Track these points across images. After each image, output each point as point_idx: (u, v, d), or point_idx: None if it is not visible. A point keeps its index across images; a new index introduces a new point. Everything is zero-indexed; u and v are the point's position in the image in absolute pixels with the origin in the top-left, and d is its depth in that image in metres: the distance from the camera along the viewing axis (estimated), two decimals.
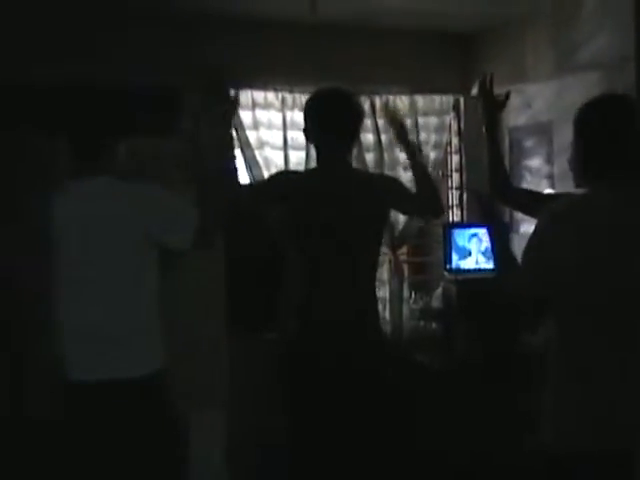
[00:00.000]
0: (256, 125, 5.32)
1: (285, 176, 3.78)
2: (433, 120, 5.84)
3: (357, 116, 3.64)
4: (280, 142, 5.37)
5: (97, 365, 3.10)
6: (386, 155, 5.64)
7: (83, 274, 3.14)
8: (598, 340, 2.56)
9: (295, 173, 3.86)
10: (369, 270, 3.59)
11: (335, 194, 3.48)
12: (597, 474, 2.54)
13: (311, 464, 3.44)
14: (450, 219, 6.10)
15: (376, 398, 3.43)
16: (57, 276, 3.21)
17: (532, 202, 3.27)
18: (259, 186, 3.70)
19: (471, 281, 5.36)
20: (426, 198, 3.69)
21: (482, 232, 5.64)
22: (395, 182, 3.81)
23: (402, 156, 5.67)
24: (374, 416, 3.43)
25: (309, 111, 3.63)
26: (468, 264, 5.56)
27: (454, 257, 5.56)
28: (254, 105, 5.31)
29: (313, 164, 5.34)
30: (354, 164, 5.02)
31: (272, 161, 5.35)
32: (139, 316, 3.18)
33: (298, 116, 5.43)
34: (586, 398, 2.56)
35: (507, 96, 3.53)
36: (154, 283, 3.22)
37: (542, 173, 5.57)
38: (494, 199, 3.26)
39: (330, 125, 3.54)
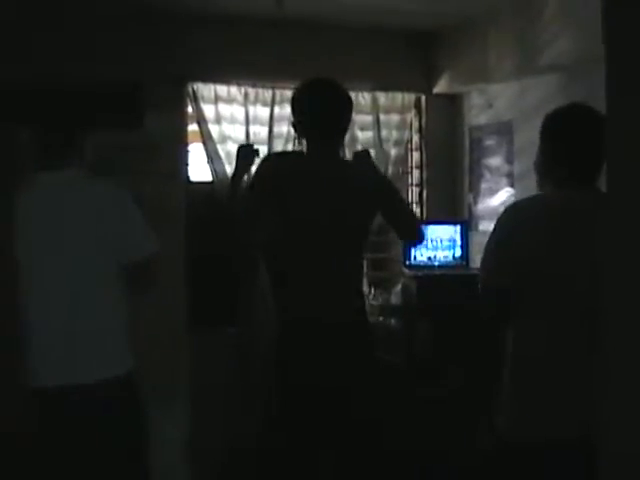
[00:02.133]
0: (218, 119, 5.31)
1: (273, 171, 3.46)
2: (394, 117, 5.87)
3: (347, 107, 3.50)
4: (242, 136, 5.37)
5: (71, 369, 3.07)
6: (348, 151, 5.64)
7: (53, 272, 3.10)
8: (553, 334, 2.63)
9: (283, 165, 3.60)
10: (357, 268, 3.51)
11: (324, 188, 3.36)
12: (550, 462, 2.61)
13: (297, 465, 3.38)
14: None
15: (365, 400, 3.38)
16: (25, 275, 3.16)
17: None
18: (255, 190, 3.45)
19: (431, 277, 5.41)
20: (407, 224, 3.61)
21: (441, 228, 5.71)
22: (388, 192, 3.60)
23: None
24: (362, 417, 3.36)
25: (298, 103, 3.49)
26: (427, 260, 5.61)
27: (413, 253, 5.61)
28: (217, 99, 5.31)
29: None
30: None
31: (234, 155, 5.31)
32: (112, 315, 3.16)
33: (261, 111, 5.45)
34: (539, 390, 2.64)
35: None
36: (122, 281, 3.20)
37: (502, 172, 5.63)
38: None
39: (320, 117, 3.41)
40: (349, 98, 3.51)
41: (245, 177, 3.61)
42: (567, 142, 2.74)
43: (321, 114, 3.41)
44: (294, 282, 3.36)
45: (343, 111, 3.48)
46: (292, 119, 3.55)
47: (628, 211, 1.36)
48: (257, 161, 3.56)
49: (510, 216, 2.76)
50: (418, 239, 3.69)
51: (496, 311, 2.78)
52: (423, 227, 3.74)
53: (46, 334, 3.10)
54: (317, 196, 3.34)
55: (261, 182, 3.39)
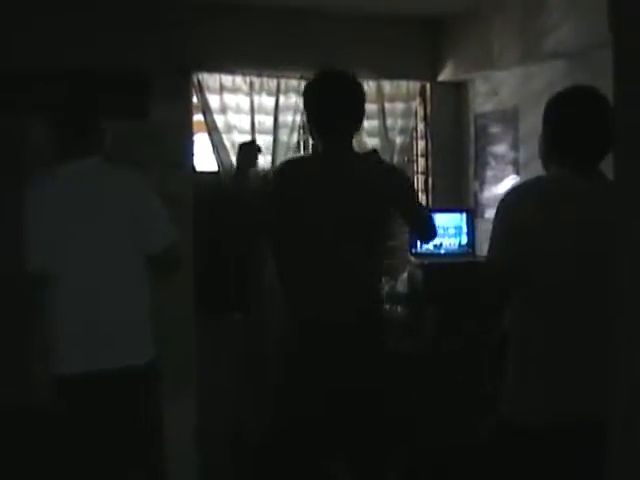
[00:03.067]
0: (224, 109, 5.32)
1: (287, 173, 3.44)
2: (400, 106, 5.88)
3: (359, 99, 3.39)
4: (248, 126, 5.38)
5: (96, 356, 3.10)
6: (353, 140, 5.66)
7: (80, 259, 3.12)
8: (556, 317, 2.64)
9: (295, 164, 3.58)
10: (372, 269, 3.42)
11: (337, 184, 3.29)
12: (552, 445, 2.63)
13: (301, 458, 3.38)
14: None
15: (374, 400, 3.34)
16: (50, 263, 3.16)
17: None
18: (268, 194, 3.43)
19: (437, 265, 5.42)
20: (423, 222, 3.62)
21: (447, 216, 5.71)
22: (403, 189, 3.53)
23: (369, 141, 5.75)
24: (371, 419, 3.33)
25: (309, 97, 3.40)
26: (433, 248, 5.62)
27: (419, 241, 5.62)
28: (222, 89, 5.31)
29: (280, 148, 5.43)
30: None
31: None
32: (138, 303, 3.19)
33: (266, 100, 5.45)
34: (542, 373, 2.65)
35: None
36: (146, 269, 3.22)
37: (507, 159, 5.64)
38: None
39: (332, 111, 3.31)
40: (362, 89, 3.42)
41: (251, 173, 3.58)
42: (569, 125, 2.72)
43: (333, 109, 3.32)
44: (303, 283, 3.32)
45: (355, 104, 3.38)
46: (304, 112, 3.49)
47: (636, 199, 1.37)
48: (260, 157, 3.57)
49: (511, 198, 2.77)
50: (432, 237, 3.77)
51: (498, 294, 2.79)
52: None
53: (72, 321, 3.13)
54: (329, 197, 3.28)
55: (275, 190, 3.39)
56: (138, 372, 3.14)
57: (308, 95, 3.42)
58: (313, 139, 3.56)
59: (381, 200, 3.35)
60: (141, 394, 3.17)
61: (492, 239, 2.74)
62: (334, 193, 3.28)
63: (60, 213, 3.14)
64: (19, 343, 4.09)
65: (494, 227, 2.74)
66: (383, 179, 3.41)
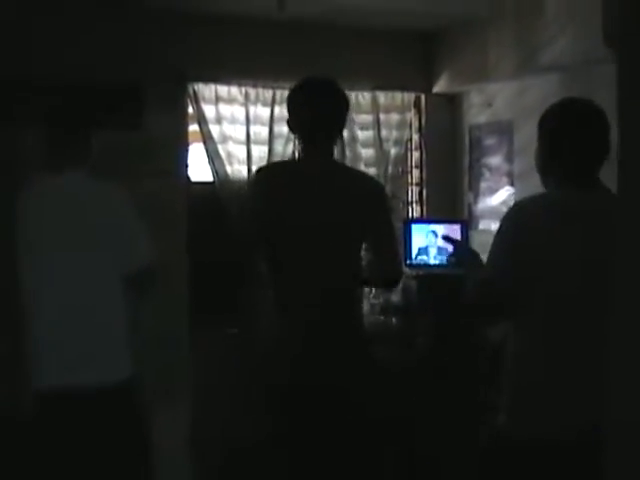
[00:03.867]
0: (219, 119, 5.32)
1: (265, 181, 3.44)
2: (394, 117, 5.89)
3: (341, 107, 3.41)
4: (243, 137, 5.38)
5: (72, 371, 3.09)
6: (348, 151, 5.68)
7: (55, 275, 3.12)
8: (557, 333, 2.65)
9: (276, 170, 3.60)
10: (350, 270, 3.41)
11: (317, 191, 3.31)
12: (552, 460, 2.63)
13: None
14: (410, 214, 6.16)
15: (359, 402, 3.37)
16: (28, 276, 3.17)
17: None
18: (249, 205, 3.43)
19: (431, 277, 5.41)
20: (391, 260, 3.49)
21: (441, 227, 5.71)
22: (380, 211, 3.45)
23: (364, 152, 5.76)
24: (355, 418, 3.36)
25: (293, 100, 3.41)
26: (427, 260, 5.62)
27: (414, 253, 5.62)
28: (217, 99, 5.32)
29: (275, 159, 5.43)
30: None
31: (235, 155, 5.36)
32: (113, 320, 3.18)
33: (261, 111, 5.46)
34: (542, 388, 2.66)
35: None
36: (123, 287, 3.21)
37: (502, 171, 5.65)
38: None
39: (315, 116, 3.33)
40: (345, 97, 3.42)
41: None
42: (564, 138, 2.73)
43: (314, 114, 3.33)
44: (286, 285, 3.34)
45: (337, 111, 3.39)
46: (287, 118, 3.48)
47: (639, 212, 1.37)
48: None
49: (513, 216, 2.76)
50: (396, 283, 3.67)
51: (492, 312, 2.79)
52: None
53: (49, 336, 3.12)
54: (307, 199, 3.29)
55: (254, 195, 3.41)
56: (115, 388, 3.12)
57: (290, 100, 3.43)
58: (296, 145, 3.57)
59: (358, 203, 3.34)
60: (119, 410, 3.14)
61: (492, 254, 2.73)
62: (311, 197, 3.30)
63: (38, 228, 3.15)
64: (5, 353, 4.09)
65: (495, 242, 2.73)
66: (363, 188, 3.41)
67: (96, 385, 3.08)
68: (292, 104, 3.41)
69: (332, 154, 3.44)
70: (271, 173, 3.54)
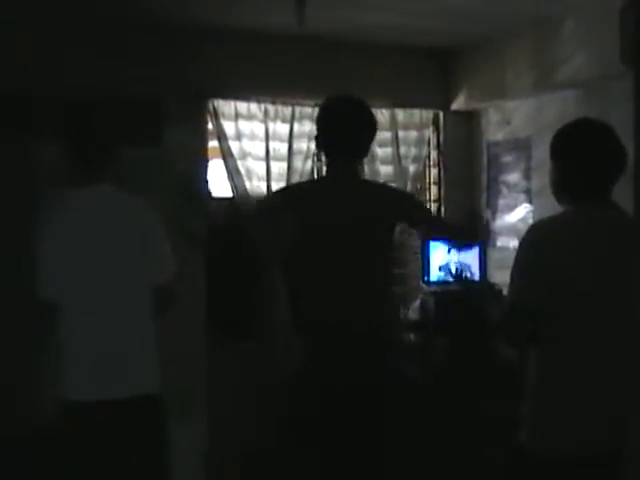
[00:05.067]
0: (239, 136, 5.36)
1: (294, 189, 3.56)
2: (413, 134, 5.92)
3: (371, 126, 3.43)
4: (262, 153, 5.42)
5: (105, 385, 3.10)
6: (367, 168, 5.69)
7: (90, 288, 3.12)
8: (580, 352, 2.65)
9: (303, 185, 3.65)
10: (382, 284, 3.43)
11: (343, 206, 3.33)
12: (572, 477, 2.63)
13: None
14: None
15: (385, 417, 3.34)
16: (62, 291, 3.14)
17: None
18: (270, 200, 3.49)
19: (449, 294, 5.42)
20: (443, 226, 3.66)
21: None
22: (409, 201, 3.65)
23: (383, 169, 5.78)
24: (381, 433, 3.35)
25: (323, 117, 3.43)
26: (446, 277, 5.62)
27: (432, 269, 5.63)
28: (237, 116, 5.36)
29: (294, 175, 5.47)
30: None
31: (254, 171, 5.39)
32: (145, 333, 3.19)
33: (280, 127, 5.50)
34: (565, 406, 2.65)
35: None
36: (152, 300, 3.22)
37: (519, 188, 5.66)
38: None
39: (344, 133, 3.35)
40: (372, 116, 3.44)
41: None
42: (578, 159, 2.74)
43: (340, 132, 3.37)
44: (313, 299, 3.34)
45: (363, 130, 3.41)
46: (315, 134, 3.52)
47: None
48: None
49: (533, 236, 2.76)
50: (468, 239, 3.76)
51: (520, 336, 2.78)
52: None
53: (81, 349, 3.12)
54: (331, 215, 3.31)
55: (280, 214, 3.40)
56: (146, 402, 3.14)
57: (320, 117, 3.47)
58: (319, 160, 3.59)
59: (383, 215, 3.37)
60: (148, 424, 3.16)
61: (513, 279, 2.74)
62: (335, 212, 3.31)
63: (68, 241, 3.13)
64: (25, 369, 4.10)
65: (514, 266, 2.74)
66: (388, 195, 3.47)
67: (126, 400, 3.09)
68: (322, 121, 3.44)
69: (358, 172, 3.48)
70: (295, 193, 3.54)
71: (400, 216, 3.48)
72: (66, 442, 3.14)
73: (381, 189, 3.54)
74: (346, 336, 3.27)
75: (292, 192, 3.50)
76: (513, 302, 2.72)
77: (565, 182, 2.78)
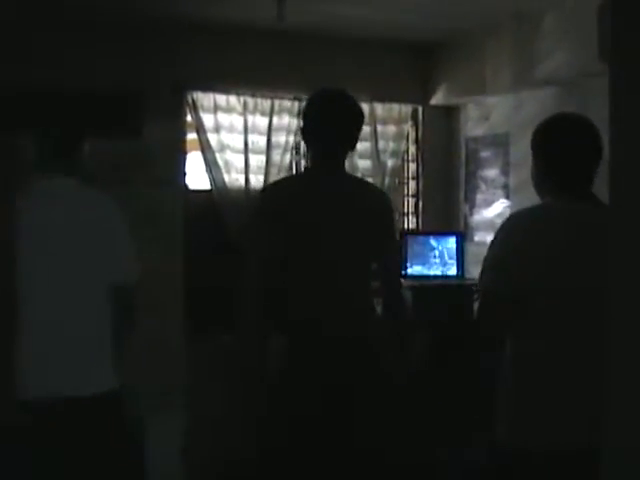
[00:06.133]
0: (217, 128, 5.35)
1: (281, 187, 3.48)
2: (391, 128, 5.92)
3: (358, 118, 3.38)
4: (241, 145, 5.41)
5: (55, 383, 3.06)
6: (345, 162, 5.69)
7: (42, 281, 3.08)
8: (556, 347, 2.66)
9: (285, 184, 3.59)
10: (363, 281, 3.38)
11: (328, 203, 3.29)
12: (548, 473, 2.65)
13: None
14: (406, 226, 6.18)
15: (370, 412, 3.34)
16: (18, 281, 3.11)
17: None
18: (261, 224, 3.41)
19: (426, 288, 5.43)
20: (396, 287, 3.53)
21: (437, 239, 5.74)
22: (390, 231, 3.48)
23: (361, 163, 5.79)
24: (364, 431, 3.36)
25: (309, 110, 3.38)
26: (423, 271, 5.64)
27: (409, 264, 5.64)
28: (216, 108, 5.35)
29: (273, 168, 5.46)
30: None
31: (232, 164, 5.39)
32: (96, 332, 3.13)
33: (259, 120, 5.49)
34: (542, 400, 2.67)
35: None
36: (108, 300, 3.17)
37: (497, 183, 5.68)
38: None
39: (330, 127, 3.29)
40: (358, 111, 3.38)
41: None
42: (557, 153, 2.76)
43: (324, 126, 3.31)
44: (297, 300, 3.31)
45: (349, 124, 3.35)
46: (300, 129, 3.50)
47: (632, 224, 1.39)
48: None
49: (510, 229, 2.78)
50: (404, 314, 3.65)
51: (497, 326, 2.79)
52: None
53: (32, 345, 3.09)
54: (316, 214, 3.27)
55: (262, 216, 3.36)
56: (94, 401, 3.08)
57: (306, 110, 3.42)
58: (297, 153, 3.56)
59: (367, 218, 3.33)
60: (102, 423, 3.11)
61: (484, 269, 2.76)
62: (322, 211, 3.28)
63: (28, 234, 3.10)
64: None
65: (487, 257, 2.76)
66: (375, 207, 3.39)
67: (76, 397, 3.05)
68: (308, 115, 3.39)
69: (343, 166, 3.43)
70: (280, 189, 3.49)
71: (372, 239, 3.38)
72: (20, 439, 3.11)
73: (367, 198, 3.41)
74: (327, 335, 3.26)
75: (279, 190, 3.45)
76: (484, 292, 2.74)
77: (545, 176, 2.80)
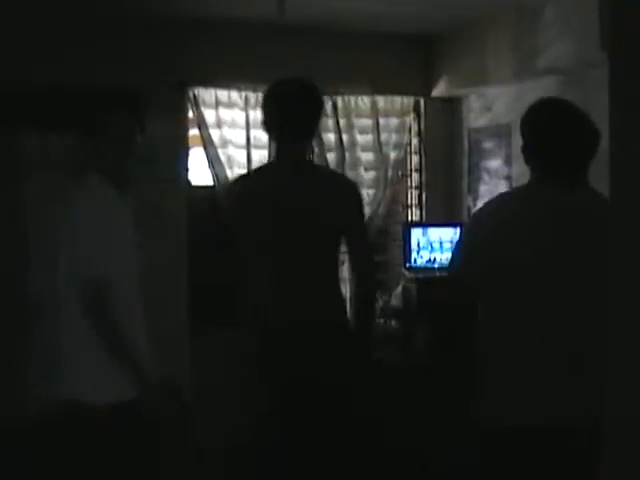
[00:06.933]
0: (219, 123, 5.35)
1: (241, 183, 3.56)
2: (394, 121, 5.91)
3: (317, 105, 3.43)
4: (243, 141, 5.41)
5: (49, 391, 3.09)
6: (348, 155, 5.70)
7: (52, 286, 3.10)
8: (535, 329, 2.68)
9: (251, 174, 3.68)
10: (329, 268, 3.45)
11: (291, 190, 3.34)
12: (528, 448, 2.65)
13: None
14: (409, 218, 6.18)
15: (342, 398, 3.40)
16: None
17: None
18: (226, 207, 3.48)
19: (430, 280, 5.43)
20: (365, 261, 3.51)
21: (441, 230, 5.74)
22: (355, 209, 3.50)
23: (364, 156, 5.78)
24: (339, 416, 3.40)
25: (268, 101, 3.43)
26: (427, 263, 5.64)
27: (413, 255, 5.64)
28: (217, 104, 5.34)
29: None
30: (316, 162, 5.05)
31: (235, 159, 5.38)
32: (77, 332, 3.06)
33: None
34: (520, 378, 2.69)
35: None
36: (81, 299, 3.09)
37: (500, 174, 5.67)
38: None
39: (290, 116, 3.34)
40: (317, 98, 3.43)
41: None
42: (540, 135, 2.79)
43: (284, 114, 3.36)
44: (267, 288, 3.37)
45: (308, 111, 3.40)
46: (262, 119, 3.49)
47: (632, 215, 1.39)
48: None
49: (479, 213, 2.83)
50: (374, 286, 3.69)
51: (459, 306, 2.84)
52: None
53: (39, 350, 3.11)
54: (281, 203, 3.33)
55: (231, 206, 3.50)
56: (90, 415, 3.01)
57: (263, 101, 3.47)
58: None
59: (332, 203, 3.37)
60: (114, 431, 3.05)
61: (459, 250, 2.80)
62: (285, 199, 3.33)
63: (28, 231, 3.14)
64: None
65: (459, 241, 2.79)
66: (336, 189, 3.44)
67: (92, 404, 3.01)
68: (265, 105, 3.45)
69: (304, 155, 3.47)
70: (244, 181, 3.59)
71: (339, 225, 3.41)
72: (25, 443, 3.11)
73: (331, 184, 3.47)
74: (295, 328, 3.30)
75: (246, 181, 3.52)
76: (450, 271, 2.78)
77: (532, 159, 2.82)
